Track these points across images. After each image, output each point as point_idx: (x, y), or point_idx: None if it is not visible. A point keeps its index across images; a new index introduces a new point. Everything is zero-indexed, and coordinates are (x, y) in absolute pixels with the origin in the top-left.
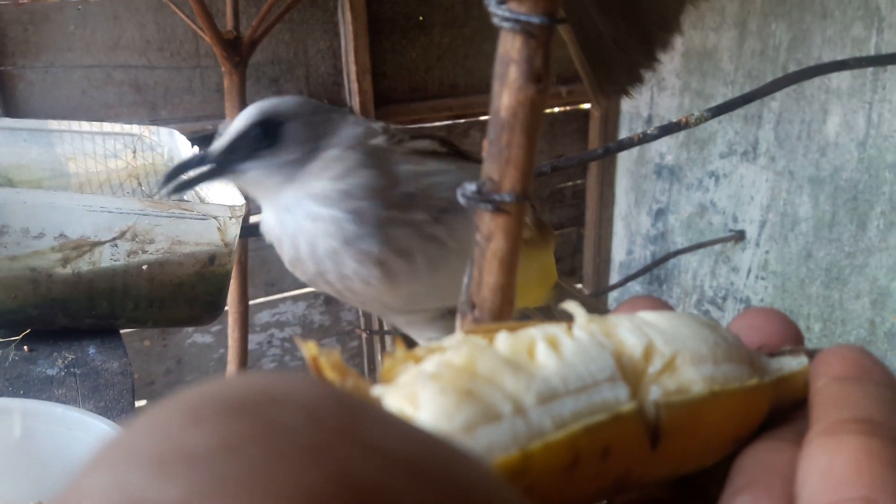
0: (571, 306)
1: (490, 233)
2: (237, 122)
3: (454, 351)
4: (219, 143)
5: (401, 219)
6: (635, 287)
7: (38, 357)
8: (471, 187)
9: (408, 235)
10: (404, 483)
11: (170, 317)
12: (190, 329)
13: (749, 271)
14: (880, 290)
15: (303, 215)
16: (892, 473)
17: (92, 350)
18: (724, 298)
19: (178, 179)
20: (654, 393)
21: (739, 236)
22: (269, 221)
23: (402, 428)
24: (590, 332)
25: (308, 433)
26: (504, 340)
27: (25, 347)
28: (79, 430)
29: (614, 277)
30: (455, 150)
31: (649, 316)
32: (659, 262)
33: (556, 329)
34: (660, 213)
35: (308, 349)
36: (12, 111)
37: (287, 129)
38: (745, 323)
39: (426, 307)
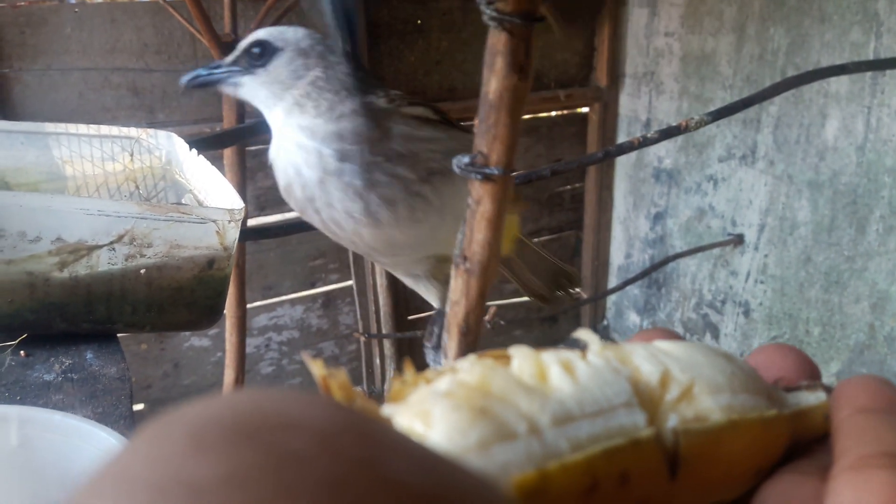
0: (585, 334)
1: (479, 198)
2: (244, 41)
3: (467, 371)
4: (229, 56)
5: (387, 169)
6: (634, 291)
7: (34, 362)
8: (464, 159)
9: (392, 186)
10: None
11: (168, 321)
12: (187, 332)
13: (748, 275)
14: (880, 294)
15: (292, 143)
16: None
17: (89, 355)
18: (724, 302)
19: (197, 79)
20: (671, 420)
21: (738, 240)
22: (272, 148)
23: (421, 458)
24: (605, 358)
25: (322, 465)
26: (517, 363)
27: (22, 352)
28: (77, 439)
29: (613, 281)
30: (446, 119)
31: (664, 345)
32: (657, 265)
33: (570, 354)
34: (658, 217)
35: (317, 368)
36: (9, 114)
37: (281, 55)
38: (762, 358)
39: (407, 254)
